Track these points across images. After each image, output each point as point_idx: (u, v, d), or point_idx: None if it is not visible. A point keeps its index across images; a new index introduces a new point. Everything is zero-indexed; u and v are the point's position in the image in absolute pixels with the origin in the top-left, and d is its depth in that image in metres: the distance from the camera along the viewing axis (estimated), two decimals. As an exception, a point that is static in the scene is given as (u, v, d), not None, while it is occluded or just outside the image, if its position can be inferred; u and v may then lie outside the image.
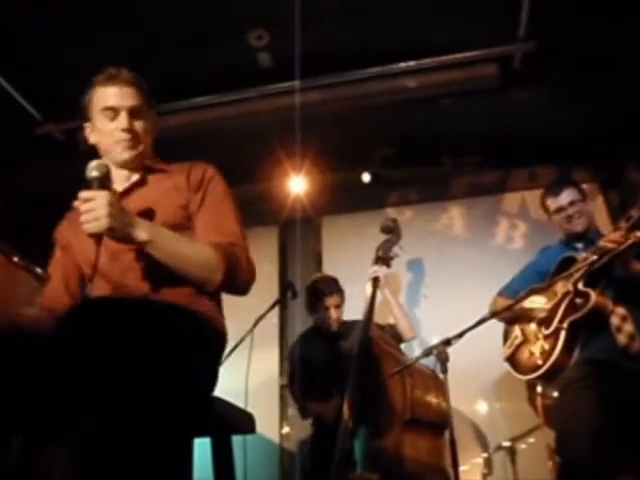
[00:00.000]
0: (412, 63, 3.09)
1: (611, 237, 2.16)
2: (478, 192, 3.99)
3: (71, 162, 3.39)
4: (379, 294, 2.89)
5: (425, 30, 2.90)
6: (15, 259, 1.89)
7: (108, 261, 1.44)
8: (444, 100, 3.32)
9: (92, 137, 1.62)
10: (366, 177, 3.92)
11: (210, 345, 1.43)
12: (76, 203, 1.31)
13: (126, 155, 1.57)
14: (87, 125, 1.62)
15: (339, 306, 3.07)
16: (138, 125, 1.57)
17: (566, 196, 2.50)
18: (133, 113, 1.56)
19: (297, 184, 3.84)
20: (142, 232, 1.34)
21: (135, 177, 1.60)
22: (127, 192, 1.56)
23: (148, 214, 1.48)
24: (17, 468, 1.26)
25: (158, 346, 1.12)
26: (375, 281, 2.81)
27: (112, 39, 2.84)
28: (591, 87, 3.20)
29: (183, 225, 1.51)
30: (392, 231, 3.00)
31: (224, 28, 2.83)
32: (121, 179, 1.60)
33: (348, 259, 3.85)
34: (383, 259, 2.93)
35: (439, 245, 3.89)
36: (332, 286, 3.09)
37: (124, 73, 1.59)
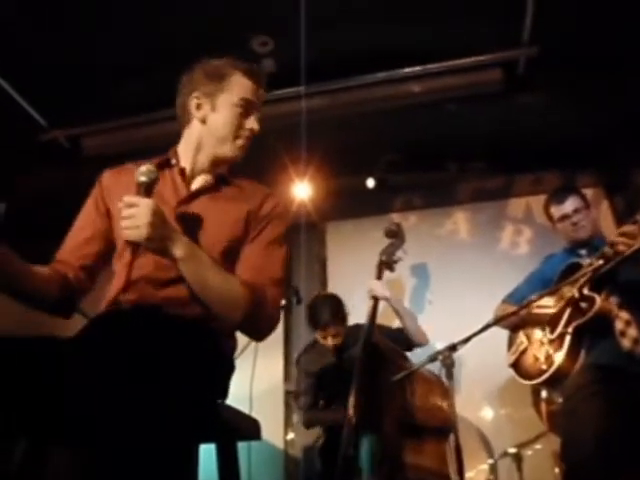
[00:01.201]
0: (417, 68, 3.09)
1: (624, 230, 2.12)
2: (483, 197, 3.99)
3: (76, 168, 3.45)
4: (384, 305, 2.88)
5: (429, 35, 2.90)
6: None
7: (156, 269, 1.39)
8: (448, 105, 3.32)
9: (202, 113, 1.53)
10: (370, 182, 3.91)
11: (223, 361, 1.41)
12: (119, 205, 1.28)
13: (238, 153, 1.54)
14: (197, 95, 1.53)
15: (336, 335, 2.95)
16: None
17: (570, 204, 2.50)
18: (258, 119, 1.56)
19: (301, 189, 3.84)
20: (178, 249, 1.30)
21: (208, 179, 1.54)
22: (196, 195, 1.50)
23: (205, 227, 1.43)
24: (20, 473, 1.26)
25: (170, 357, 1.11)
26: (375, 299, 2.80)
27: (117, 46, 2.86)
28: (595, 92, 3.20)
29: (233, 252, 1.46)
30: (396, 235, 2.99)
31: (228, 34, 2.83)
32: (195, 173, 1.54)
33: (353, 264, 3.85)
34: (387, 263, 2.92)
35: (444, 250, 3.88)
36: (326, 317, 2.91)
37: (264, 77, 1.59)
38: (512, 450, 2.87)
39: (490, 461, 3.11)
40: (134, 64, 3.00)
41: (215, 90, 1.52)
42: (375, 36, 2.91)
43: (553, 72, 3.09)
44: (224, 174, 1.56)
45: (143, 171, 1.31)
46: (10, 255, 1.31)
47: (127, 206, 1.26)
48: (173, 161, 1.56)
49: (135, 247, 1.28)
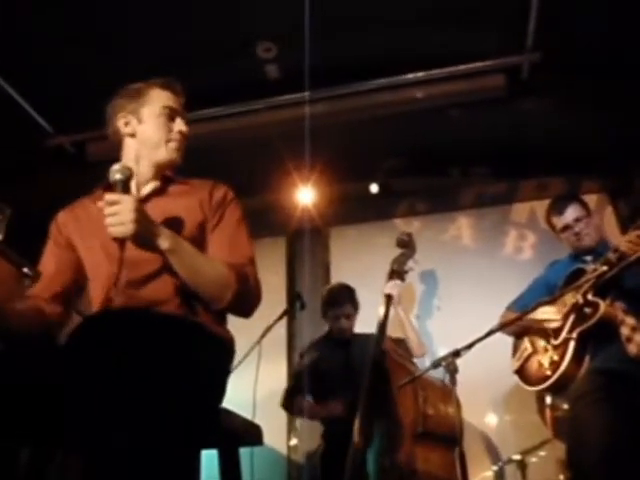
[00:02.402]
0: (420, 74, 3.10)
1: (627, 238, 2.14)
2: (487, 202, 3.98)
3: (81, 174, 3.46)
4: (392, 310, 2.88)
5: (433, 41, 2.91)
6: (25, 270, 1.89)
7: (128, 270, 1.42)
8: (452, 111, 3.32)
9: (131, 128, 1.61)
10: (374, 188, 3.91)
11: (217, 358, 1.42)
12: (100, 204, 1.31)
13: (175, 155, 1.61)
14: (123, 115, 1.61)
15: (350, 316, 3.09)
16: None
17: (571, 213, 2.49)
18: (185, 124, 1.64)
19: (305, 195, 3.84)
20: (164, 240, 1.34)
21: (156, 184, 1.60)
22: (145, 199, 1.55)
23: (167, 225, 1.46)
24: (25, 477, 1.26)
25: (166, 359, 1.11)
26: (388, 299, 2.80)
27: (122, 53, 2.87)
28: (598, 97, 3.19)
29: (197, 242, 1.50)
30: (407, 245, 2.99)
31: (232, 40, 2.85)
32: (141, 183, 1.59)
33: (356, 270, 3.85)
34: (398, 273, 2.92)
35: (448, 256, 3.88)
36: (343, 297, 3.10)
37: (180, 87, 1.66)
38: (516, 457, 2.86)
39: (495, 468, 3.09)
40: (139, 70, 3.00)
41: (138, 106, 1.61)
42: (378, 42, 2.92)
43: (556, 77, 3.09)
44: (170, 175, 1.63)
45: (117, 169, 1.34)
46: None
47: (109, 204, 1.28)
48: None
49: (122, 243, 1.30)
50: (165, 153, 1.60)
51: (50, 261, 1.62)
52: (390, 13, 2.76)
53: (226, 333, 1.53)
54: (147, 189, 1.59)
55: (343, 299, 3.09)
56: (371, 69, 3.09)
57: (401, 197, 4.09)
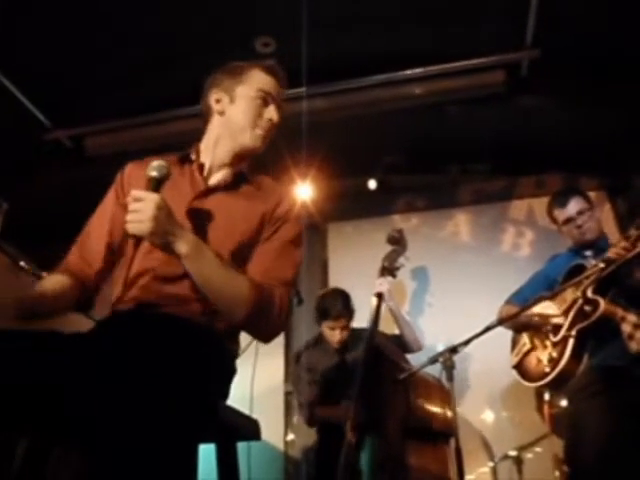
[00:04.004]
0: (419, 70, 3.10)
1: (621, 245, 2.15)
2: (485, 199, 3.99)
3: (79, 168, 3.46)
4: (385, 307, 2.87)
5: (432, 37, 2.91)
6: (22, 263, 1.89)
7: (160, 265, 1.37)
8: (451, 107, 3.32)
9: (221, 106, 1.54)
10: (372, 184, 3.92)
11: (223, 360, 1.40)
12: (127, 199, 1.28)
13: (259, 143, 1.53)
14: (216, 91, 1.54)
15: (345, 327, 2.97)
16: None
17: (573, 206, 2.48)
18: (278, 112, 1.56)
19: (303, 191, 3.83)
20: (183, 245, 1.28)
21: (227, 175, 1.52)
22: (212, 190, 1.49)
23: (217, 223, 1.42)
24: (21, 473, 1.26)
25: (171, 357, 1.11)
26: (379, 297, 2.80)
27: (120, 48, 2.87)
28: (598, 94, 3.19)
29: (244, 250, 1.43)
30: (398, 242, 2.99)
31: (230, 35, 2.84)
32: (213, 168, 1.53)
33: (354, 266, 3.85)
34: (389, 269, 2.92)
35: (445, 252, 3.88)
36: (338, 309, 2.94)
37: (285, 77, 1.60)
38: (513, 453, 2.87)
39: (491, 464, 3.10)
40: (136, 64, 3.00)
41: (233, 84, 1.54)
42: (377, 38, 2.92)
43: (556, 74, 3.09)
44: (243, 171, 1.55)
45: (154, 166, 1.30)
46: (35, 296, 1.34)
47: (134, 200, 1.26)
48: (192, 156, 1.55)
49: (137, 241, 1.27)
50: (249, 139, 1.52)
51: (104, 221, 1.51)
52: (389, 9, 2.76)
53: (231, 345, 1.48)
54: (217, 177, 1.53)
55: (338, 312, 2.93)
56: (370, 65, 3.08)
57: (399, 193, 4.09)
